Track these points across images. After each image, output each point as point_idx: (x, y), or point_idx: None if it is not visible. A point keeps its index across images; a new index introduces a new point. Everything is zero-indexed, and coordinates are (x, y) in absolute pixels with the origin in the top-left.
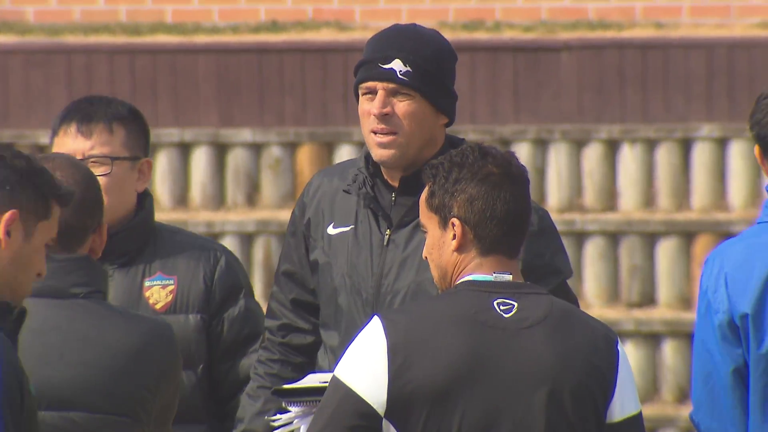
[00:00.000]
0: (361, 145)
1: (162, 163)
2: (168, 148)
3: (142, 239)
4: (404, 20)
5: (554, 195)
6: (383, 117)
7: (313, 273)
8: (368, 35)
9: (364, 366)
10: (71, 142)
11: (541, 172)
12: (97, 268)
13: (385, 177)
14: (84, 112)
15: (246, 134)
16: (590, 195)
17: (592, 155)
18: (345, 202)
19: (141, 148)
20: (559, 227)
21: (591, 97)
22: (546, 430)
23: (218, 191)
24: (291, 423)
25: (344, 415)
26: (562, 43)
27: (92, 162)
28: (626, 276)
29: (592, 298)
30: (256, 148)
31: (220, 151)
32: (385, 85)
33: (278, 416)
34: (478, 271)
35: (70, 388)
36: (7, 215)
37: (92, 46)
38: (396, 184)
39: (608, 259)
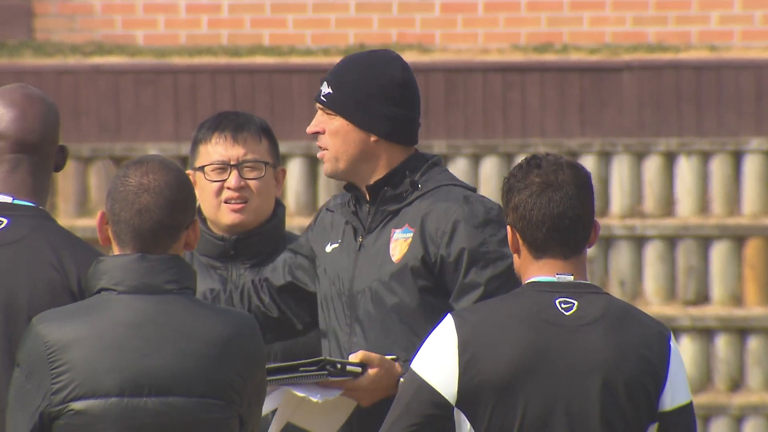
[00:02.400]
0: (443, 157)
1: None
2: None
3: (273, 243)
4: (480, 43)
5: (617, 203)
6: (314, 134)
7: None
8: (448, 57)
9: (437, 360)
10: (224, 150)
11: (605, 182)
12: (186, 267)
13: (360, 191)
14: (236, 123)
15: None
16: (650, 202)
17: (652, 166)
18: (337, 221)
19: (278, 157)
20: (622, 232)
21: (650, 113)
22: (600, 418)
23: (311, 199)
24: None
25: (419, 405)
26: (624, 64)
27: (246, 167)
28: (682, 276)
29: (652, 296)
30: None
31: (313, 162)
32: (317, 105)
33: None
34: (541, 273)
35: (168, 376)
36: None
37: (196, 67)
38: (368, 196)
39: (666, 261)
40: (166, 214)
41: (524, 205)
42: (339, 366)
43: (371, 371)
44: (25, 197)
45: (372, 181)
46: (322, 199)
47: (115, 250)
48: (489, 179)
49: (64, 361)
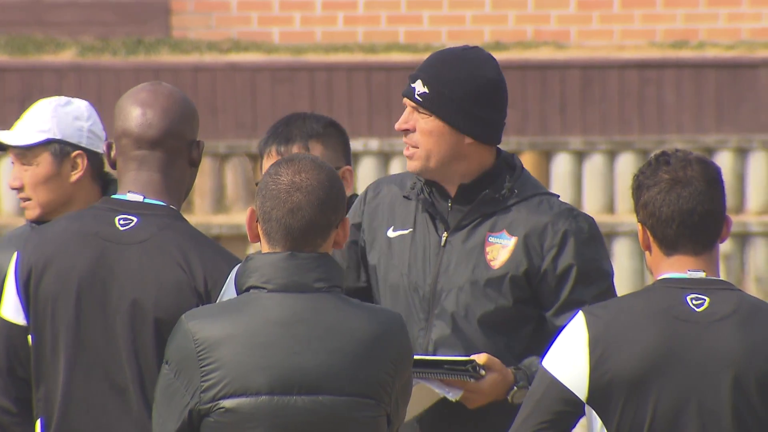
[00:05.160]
0: (579, 154)
1: (395, 169)
2: (401, 156)
3: None
4: (616, 40)
5: (753, 199)
6: (404, 131)
7: (367, 271)
8: (583, 53)
9: (568, 357)
10: None
11: (741, 178)
12: (335, 265)
13: (442, 185)
14: (282, 136)
15: None
16: None
17: None
18: (404, 207)
19: (340, 158)
20: (758, 229)
21: None
22: (732, 415)
23: None
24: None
25: (550, 402)
26: (761, 60)
27: None
28: None
29: None
30: None
31: None
32: (407, 101)
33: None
34: (672, 270)
35: (318, 374)
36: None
37: (332, 64)
38: (452, 192)
39: None
40: (317, 212)
41: (653, 202)
42: (478, 369)
43: (492, 376)
44: (155, 195)
45: (465, 181)
46: None
47: (264, 248)
48: (624, 175)
49: (214, 358)
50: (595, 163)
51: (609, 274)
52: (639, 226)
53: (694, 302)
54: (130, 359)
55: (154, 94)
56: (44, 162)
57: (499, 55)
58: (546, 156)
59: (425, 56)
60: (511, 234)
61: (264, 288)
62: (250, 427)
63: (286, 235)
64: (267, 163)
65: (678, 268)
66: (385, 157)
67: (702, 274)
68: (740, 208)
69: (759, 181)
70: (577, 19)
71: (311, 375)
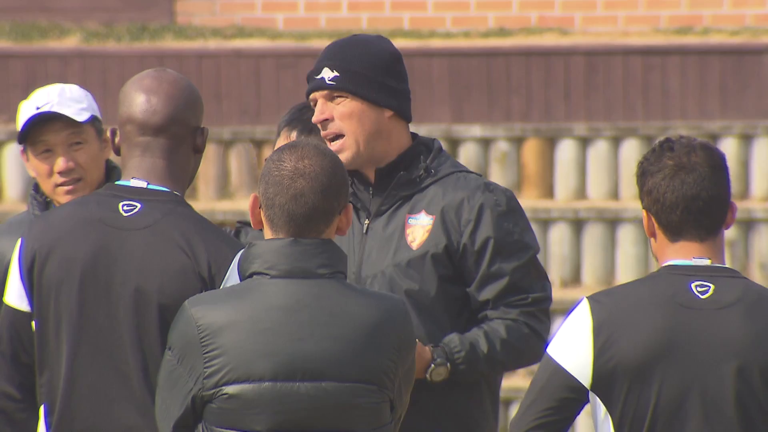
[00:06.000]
0: (583, 140)
1: None
2: None
3: None
4: (620, 26)
5: (758, 185)
6: (323, 123)
7: None
8: (588, 40)
9: (572, 344)
10: None
11: (746, 165)
12: (338, 251)
13: (363, 173)
14: (305, 123)
15: (476, 130)
16: None
17: None
18: None
19: None
20: (762, 215)
21: None
22: (735, 403)
23: None
24: None
25: (554, 389)
26: (766, 47)
27: None
28: None
29: None
30: (485, 143)
31: (453, 145)
32: (319, 93)
33: None
34: (677, 257)
35: (321, 360)
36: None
37: None
38: (373, 179)
39: None
40: (321, 199)
41: (658, 188)
42: None
43: None
44: (159, 182)
45: (382, 165)
46: None
47: (267, 234)
48: (629, 162)
49: (217, 345)
50: (599, 150)
51: (530, 247)
52: (643, 213)
53: (698, 289)
54: (133, 345)
55: (158, 80)
56: (92, 139)
57: (503, 41)
58: (550, 142)
59: (430, 42)
60: (430, 213)
61: (267, 274)
62: (253, 414)
63: (290, 221)
64: (282, 143)
65: (683, 254)
66: None
67: (707, 261)
68: (745, 194)
69: (763, 167)
70: (582, 5)
71: (314, 361)
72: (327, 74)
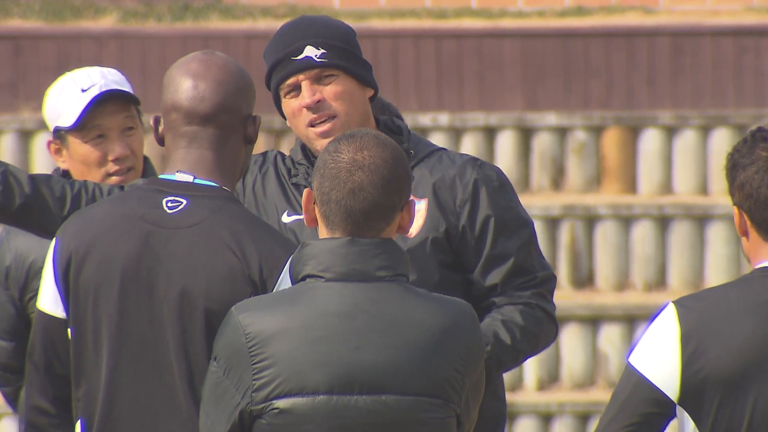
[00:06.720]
0: (669, 129)
1: (467, 147)
2: (473, 132)
3: None
4: (709, 5)
5: None
6: (317, 105)
7: None
8: (674, 19)
9: (657, 353)
10: None
11: None
12: (399, 252)
13: None
14: None
15: (551, 118)
16: None
17: None
18: (280, 188)
19: None
20: None
21: None
22: None
23: (523, 175)
24: None
25: (637, 403)
26: None
27: None
28: None
29: None
30: (561, 132)
31: (525, 135)
32: (306, 74)
33: None
34: None
35: (381, 371)
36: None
37: (398, 31)
38: None
39: None
40: (381, 194)
41: (750, 182)
42: None
43: None
44: (207, 175)
45: None
46: (536, 175)
47: (322, 233)
48: (719, 153)
49: (267, 354)
50: (686, 140)
51: (528, 222)
52: (735, 210)
53: None
54: (178, 354)
55: (206, 64)
56: (139, 126)
57: (581, 21)
58: (633, 132)
59: (501, 22)
60: (420, 197)
61: (321, 277)
62: (307, 430)
63: (347, 218)
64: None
65: None
66: (456, 133)
67: None
68: None
69: None
70: None
71: (373, 372)
72: (312, 52)
